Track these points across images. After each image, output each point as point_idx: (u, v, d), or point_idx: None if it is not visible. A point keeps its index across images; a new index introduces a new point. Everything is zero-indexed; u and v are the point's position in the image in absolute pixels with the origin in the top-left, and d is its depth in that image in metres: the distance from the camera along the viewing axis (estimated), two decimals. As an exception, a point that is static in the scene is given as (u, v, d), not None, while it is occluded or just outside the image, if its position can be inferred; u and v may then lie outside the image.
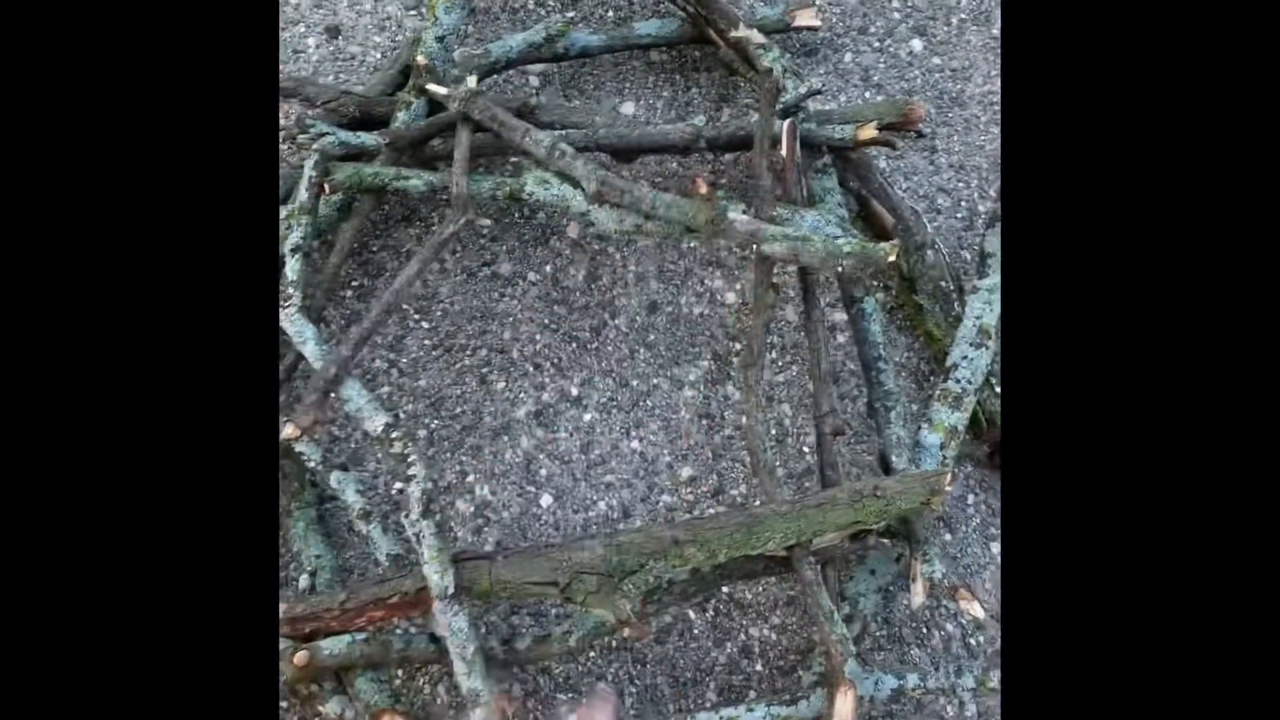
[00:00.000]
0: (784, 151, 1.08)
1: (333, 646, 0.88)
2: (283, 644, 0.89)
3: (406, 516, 0.87)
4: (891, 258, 0.94)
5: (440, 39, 1.16)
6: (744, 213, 1.04)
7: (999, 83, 1.41)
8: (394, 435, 0.88)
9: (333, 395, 0.92)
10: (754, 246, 1.00)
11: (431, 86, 1.06)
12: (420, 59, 1.12)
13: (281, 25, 1.30)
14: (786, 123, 1.09)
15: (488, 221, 1.21)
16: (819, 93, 1.12)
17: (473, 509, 1.06)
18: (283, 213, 1.04)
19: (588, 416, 1.13)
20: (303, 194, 1.00)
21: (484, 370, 1.14)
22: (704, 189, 0.98)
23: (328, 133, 1.05)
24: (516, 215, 1.23)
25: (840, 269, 0.96)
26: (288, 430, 0.90)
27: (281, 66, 1.27)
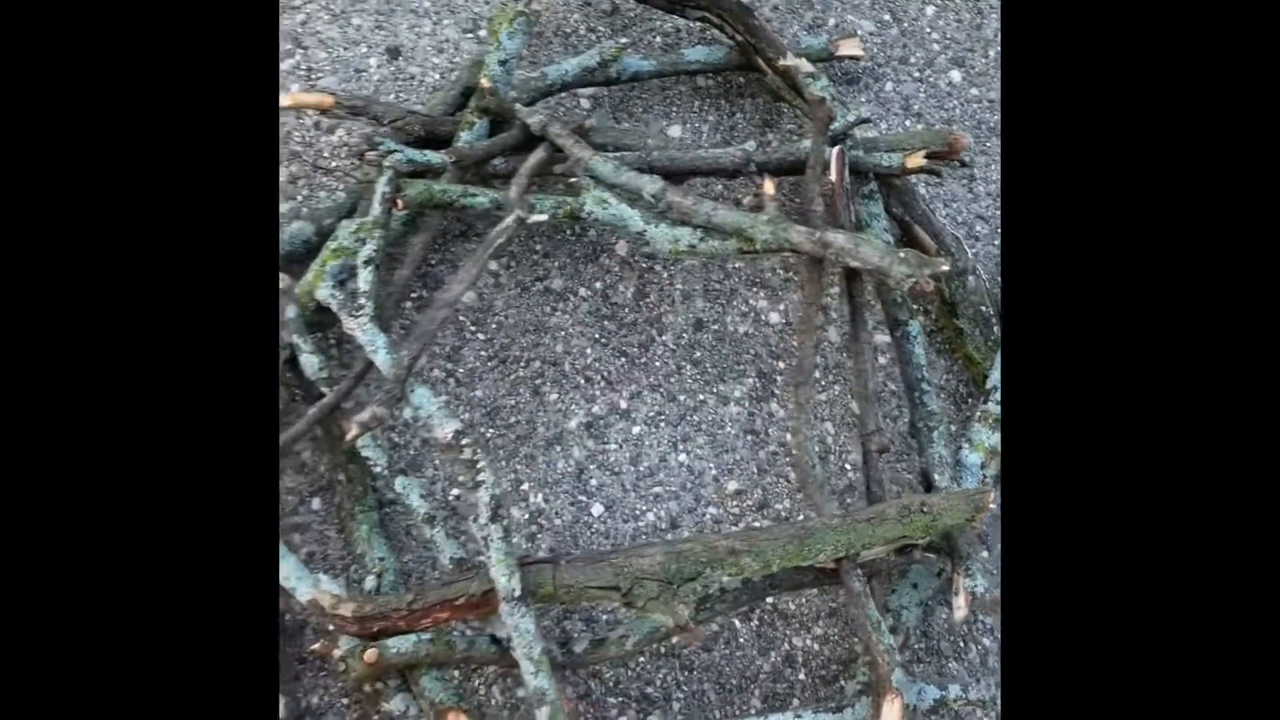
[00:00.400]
0: (833, 177, 1.12)
1: (400, 645, 0.91)
2: (350, 642, 0.92)
3: (475, 521, 0.90)
4: (944, 267, 0.98)
5: (503, 62, 1.20)
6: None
7: (1034, 114, 1.44)
8: (464, 442, 0.92)
9: (402, 393, 0.95)
10: (806, 260, 1.04)
11: (519, 109, 1.11)
12: (484, 81, 1.16)
13: (344, 45, 1.34)
14: (835, 149, 1.13)
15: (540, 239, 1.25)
16: (868, 121, 1.16)
17: (527, 516, 1.10)
18: (351, 226, 1.07)
19: (636, 429, 1.16)
20: (376, 209, 1.04)
21: (537, 382, 1.17)
22: (771, 189, 1.03)
23: (396, 150, 1.09)
24: (568, 233, 1.27)
25: (894, 274, 1.00)
26: (352, 429, 0.93)
27: (344, 86, 1.31)
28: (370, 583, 0.97)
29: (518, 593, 0.87)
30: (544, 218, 1.07)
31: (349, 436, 0.92)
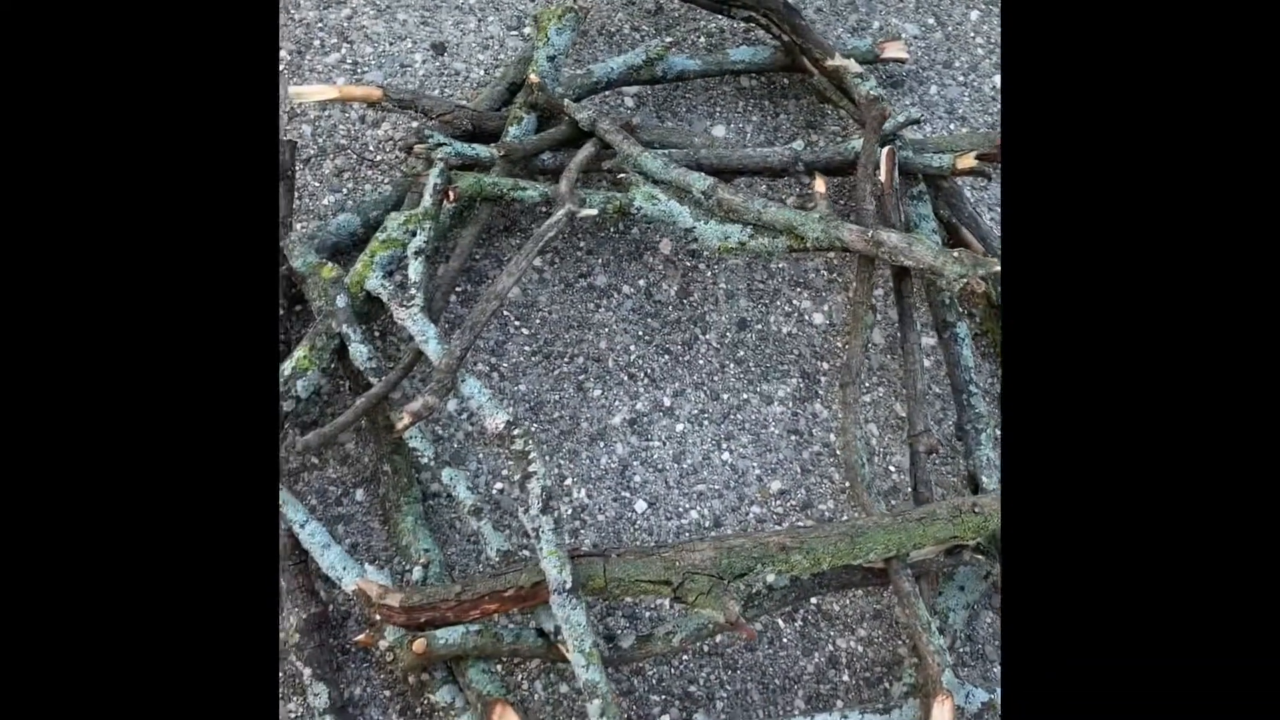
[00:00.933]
0: (883, 177, 1.13)
1: (448, 636, 0.91)
2: (395, 634, 0.93)
3: (525, 512, 0.91)
4: (997, 267, 0.98)
5: (551, 58, 1.21)
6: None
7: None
8: (515, 433, 0.92)
9: (453, 382, 0.96)
10: (857, 259, 1.04)
11: (568, 104, 1.12)
12: (533, 76, 1.17)
13: (389, 41, 1.35)
14: (886, 149, 1.14)
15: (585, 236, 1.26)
16: (918, 121, 1.16)
17: (570, 511, 1.10)
18: (400, 218, 1.08)
19: (680, 427, 1.17)
20: (427, 200, 1.05)
21: (581, 377, 1.18)
22: (822, 187, 1.03)
23: (445, 143, 1.10)
24: (611, 230, 1.27)
25: (947, 272, 1.00)
26: (404, 418, 0.94)
27: (389, 81, 1.32)
28: (417, 574, 0.97)
29: (569, 584, 0.88)
30: (594, 212, 1.08)
31: (401, 425, 0.92)
